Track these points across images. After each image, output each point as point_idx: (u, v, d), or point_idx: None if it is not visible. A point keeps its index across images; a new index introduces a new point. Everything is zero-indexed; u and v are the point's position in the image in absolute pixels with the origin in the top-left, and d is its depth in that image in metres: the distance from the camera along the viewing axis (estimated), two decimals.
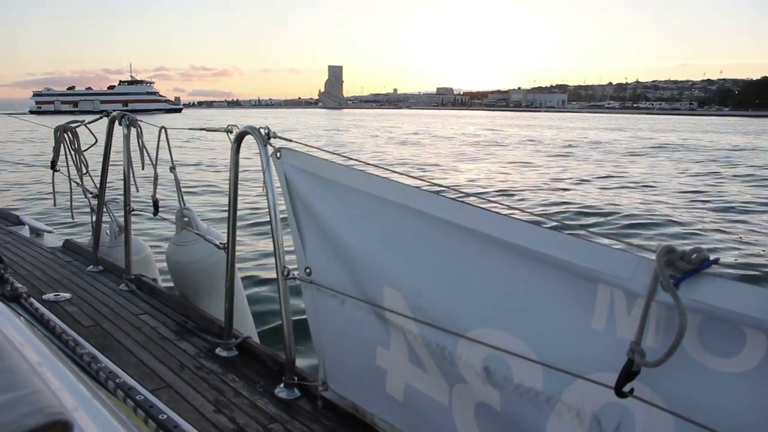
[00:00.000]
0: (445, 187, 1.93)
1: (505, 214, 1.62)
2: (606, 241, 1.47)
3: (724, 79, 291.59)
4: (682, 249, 1.23)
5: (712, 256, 1.21)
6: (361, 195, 1.98)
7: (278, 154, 2.24)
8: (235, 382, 2.53)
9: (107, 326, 3.10)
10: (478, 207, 1.68)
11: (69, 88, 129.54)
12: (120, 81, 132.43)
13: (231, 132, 2.63)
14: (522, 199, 14.14)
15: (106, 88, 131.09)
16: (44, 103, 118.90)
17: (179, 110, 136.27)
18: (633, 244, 1.43)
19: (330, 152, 2.22)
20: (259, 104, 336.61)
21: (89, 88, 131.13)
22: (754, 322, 1.15)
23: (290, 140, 2.30)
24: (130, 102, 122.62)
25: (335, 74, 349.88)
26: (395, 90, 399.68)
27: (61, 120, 4.76)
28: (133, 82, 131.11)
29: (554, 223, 1.61)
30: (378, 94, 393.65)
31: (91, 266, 4.23)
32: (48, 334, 2.20)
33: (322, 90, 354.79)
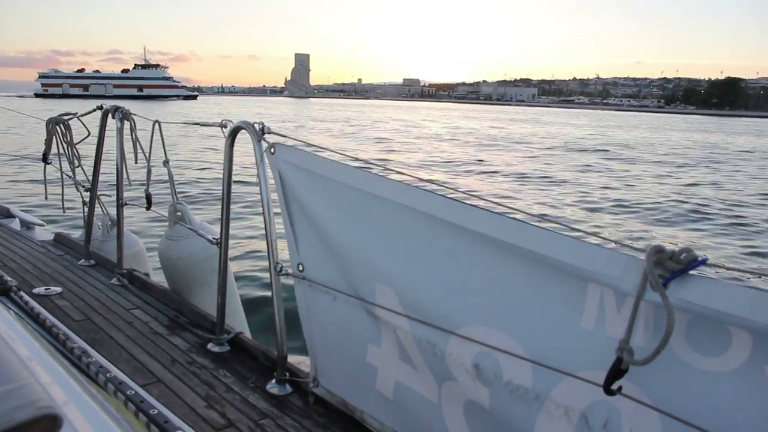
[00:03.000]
0: (438, 184, 1.94)
1: (498, 213, 1.63)
2: (596, 240, 1.48)
3: (679, 78, 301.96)
4: (672, 249, 1.25)
5: (700, 257, 1.22)
6: (355, 192, 1.98)
7: (272, 149, 2.24)
8: (227, 378, 2.53)
9: (98, 321, 3.10)
10: (472, 205, 1.68)
11: (78, 71, 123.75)
12: (135, 65, 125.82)
13: (225, 127, 2.63)
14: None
15: (120, 71, 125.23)
16: (51, 85, 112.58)
17: (195, 97, 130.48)
18: (623, 244, 1.44)
19: (324, 148, 2.22)
20: (222, 91, 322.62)
21: (97, 71, 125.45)
22: (739, 321, 1.17)
23: (285, 136, 2.29)
24: (146, 87, 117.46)
25: (302, 62, 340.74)
26: (359, 80, 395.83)
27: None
28: (147, 65, 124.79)
29: (545, 222, 1.62)
30: (344, 84, 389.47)
31: (83, 260, 4.21)
32: (38, 328, 2.19)
33: (288, 78, 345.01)
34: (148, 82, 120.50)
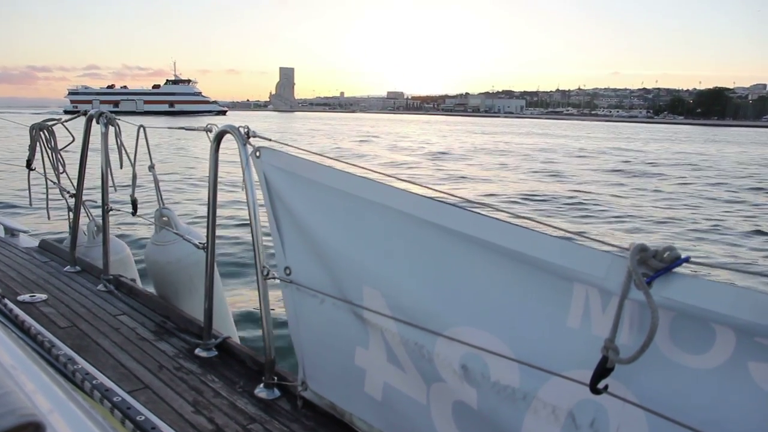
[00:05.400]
0: (423, 186, 1.95)
1: (482, 214, 1.64)
2: (580, 239, 1.49)
3: (659, 88, 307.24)
4: (655, 247, 1.26)
5: (683, 255, 1.24)
6: (341, 194, 1.98)
7: (258, 153, 2.24)
8: (215, 383, 2.51)
9: (84, 327, 3.07)
10: (457, 206, 1.69)
11: (109, 87, 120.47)
12: (166, 80, 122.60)
13: (210, 131, 2.62)
14: None
15: (151, 87, 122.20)
16: (81, 102, 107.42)
17: (224, 113, 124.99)
18: (607, 243, 1.45)
19: (309, 152, 2.22)
20: None
21: (125, 87, 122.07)
22: (723, 319, 1.18)
23: (270, 139, 2.29)
24: (177, 103, 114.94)
25: (287, 76, 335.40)
26: (342, 93, 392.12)
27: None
28: (177, 81, 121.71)
29: (530, 222, 1.63)
30: (327, 97, 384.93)
31: (68, 267, 4.17)
32: (23, 335, 2.18)
33: (273, 92, 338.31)
34: (179, 98, 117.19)
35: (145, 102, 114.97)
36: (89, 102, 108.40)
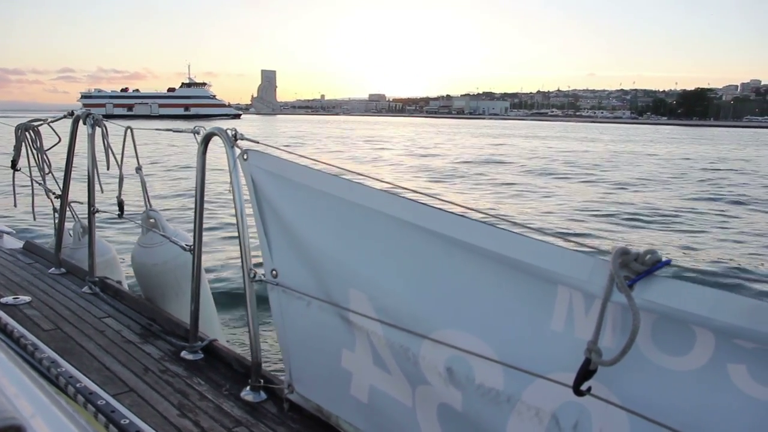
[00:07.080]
0: (409, 189, 1.95)
1: (467, 217, 1.65)
2: (563, 242, 1.51)
3: (636, 90, 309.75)
4: (636, 251, 1.27)
5: (664, 258, 1.26)
6: (327, 197, 1.99)
7: (245, 155, 2.24)
8: (201, 386, 2.50)
9: (69, 330, 3.04)
10: (442, 210, 1.70)
11: (123, 90, 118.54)
12: (182, 83, 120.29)
13: (198, 133, 2.61)
14: None
15: (166, 90, 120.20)
16: (94, 105, 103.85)
17: (238, 116, 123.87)
18: (590, 246, 1.47)
19: (296, 154, 2.22)
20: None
21: (137, 90, 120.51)
22: (703, 321, 1.20)
23: (257, 142, 2.29)
24: (192, 106, 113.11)
25: (268, 79, 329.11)
26: (323, 96, 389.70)
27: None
28: (192, 84, 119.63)
29: (514, 225, 1.64)
30: (308, 100, 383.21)
31: (53, 268, 4.13)
32: (5, 338, 2.16)
33: (255, 95, 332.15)
34: (194, 101, 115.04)
35: (160, 105, 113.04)
36: (103, 105, 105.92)
